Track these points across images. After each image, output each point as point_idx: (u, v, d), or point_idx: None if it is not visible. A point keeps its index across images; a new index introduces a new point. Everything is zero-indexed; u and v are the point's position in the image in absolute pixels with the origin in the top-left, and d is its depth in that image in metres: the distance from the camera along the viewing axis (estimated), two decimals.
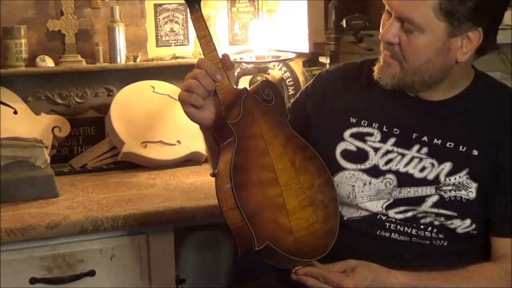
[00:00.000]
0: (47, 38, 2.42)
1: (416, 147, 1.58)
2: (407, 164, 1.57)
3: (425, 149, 1.57)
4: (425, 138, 1.57)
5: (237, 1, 2.61)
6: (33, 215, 1.87)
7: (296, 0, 2.48)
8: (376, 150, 1.60)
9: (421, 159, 1.57)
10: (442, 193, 1.54)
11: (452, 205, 1.54)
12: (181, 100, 1.50)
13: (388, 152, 1.59)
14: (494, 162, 1.54)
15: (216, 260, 2.36)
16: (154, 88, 2.46)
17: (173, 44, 2.56)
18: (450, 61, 1.52)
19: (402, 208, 1.57)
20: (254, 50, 2.53)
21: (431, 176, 1.55)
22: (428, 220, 1.56)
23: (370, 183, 1.59)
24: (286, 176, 1.47)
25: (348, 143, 1.62)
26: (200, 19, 1.50)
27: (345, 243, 1.52)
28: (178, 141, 2.39)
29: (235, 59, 2.49)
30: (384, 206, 1.58)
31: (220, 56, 1.51)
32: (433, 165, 1.56)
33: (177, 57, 2.52)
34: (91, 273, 1.88)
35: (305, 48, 2.46)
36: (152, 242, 1.93)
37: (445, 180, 1.55)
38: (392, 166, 1.58)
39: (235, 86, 1.53)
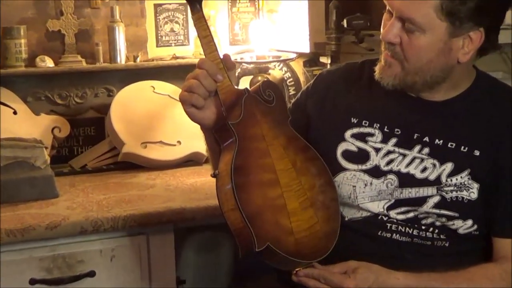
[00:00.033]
0: (47, 38, 2.42)
1: (417, 148, 1.57)
2: (408, 165, 1.57)
3: (426, 150, 1.57)
4: (426, 139, 1.57)
5: (238, 1, 2.61)
6: (33, 216, 1.86)
7: (297, 0, 2.47)
8: (377, 150, 1.60)
9: (422, 160, 1.56)
10: (444, 193, 1.54)
11: (454, 205, 1.54)
12: (182, 100, 1.49)
13: (389, 152, 1.59)
14: (495, 162, 1.54)
15: (217, 261, 2.36)
16: (154, 88, 2.45)
17: (173, 44, 2.56)
18: (452, 61, 1.52)
19: (403, 209, 1.56)
20: (255, 50, 2.53)
21: (432, 177, 1.55)
22: (429, 220, 1.55)
23: (371, 183, 1.58)
24: (287, 177, 1.46)
25: (349, 144, 1.62)
26: (201, 19, 1.50)
27: (346, 244, 1.52)
28: (179, 142, 2.38)
29: (236, 59, 2.48)
30: (385, 207, 1.57)
31: (221, 56, 1.50)
32: (434, 165, 1.55)
33: (177, 57, 2.52)
34: (91, 274, 1.88)
35: (305, 48, 2.46)
36: (152, 243, 1.93)
37: (446, 180, 1.54)
38: (394, 166, 1.58)
39: (236, 87, 1.53)
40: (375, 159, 1.59)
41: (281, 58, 2.55)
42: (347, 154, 1.61)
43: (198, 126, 1.56)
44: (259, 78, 2.43)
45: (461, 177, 1.54)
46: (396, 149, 1.58)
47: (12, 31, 2.33)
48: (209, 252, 2.35)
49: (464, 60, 1.52)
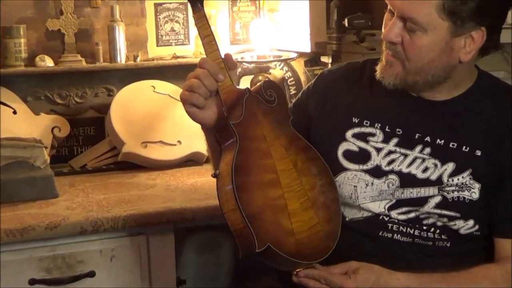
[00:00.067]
0: (47, 37, 2.42)
1: (418, 148, 1.57)
2: (409, 165, 1.57)
3: (427, 150, 1.56)
4: (427, 139, 1.57)
5: (238, 1, 2.61)
6: (33, 216, 1.86)
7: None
8: (378, 150, 1.59)
9: (423, 160, 1.56)
10: (445, 193, 1.53)
11: (455, 205, 1.53)
12: (183, 99, 1.49)
13: (390, 152, 1.58)
14: (497, 162, 1.53)
15: (217, 261, 2.36)
16: (154, 88, 2.45)
17: (173, 44, 2.55)
18: (453, 61, 1.51)
19: (404, 209, 1.56)
20: (256, 49, 2.53)
21: (434, 177, 1.55)
22: (431, 221, 1.55)
23: (372, 183, 1.58)
24: (288, 178, 1.46)
25: (350, 143, 1.61)
26: (203, 19, 1.49)
27: (347, 244, 1.51)
28: (179, 141, 2.38)
29: (236, 59, 2.47)
30: (386, 207, 1.57)
31: (223, 56, 1.50)
32: (436, 165, 1.55)
33: (178, 57, 2.51)
34: (91, 274, 1.87)
35: (306, 47, 2.45)
36: (152, 243, 1.92)
37: (448, 180, 1.54)
38: (395, 166, 1.57)
39: (237, 86, 1.52)
40: (376, 159, 1.59)
41: (282, 58, 2.54)
42: (348, 154, 1.61)
43: (199, 126, 1.56)
44: (260, 77, 2.43)
45: (462, 177, 1.53)
46: (397, 149, 1.58)
47: (12, 31, 2.33)
48: (209, 252, 2.35)
49: (466, 59, 1.51)
